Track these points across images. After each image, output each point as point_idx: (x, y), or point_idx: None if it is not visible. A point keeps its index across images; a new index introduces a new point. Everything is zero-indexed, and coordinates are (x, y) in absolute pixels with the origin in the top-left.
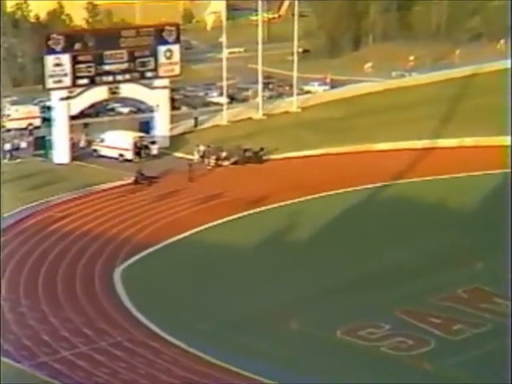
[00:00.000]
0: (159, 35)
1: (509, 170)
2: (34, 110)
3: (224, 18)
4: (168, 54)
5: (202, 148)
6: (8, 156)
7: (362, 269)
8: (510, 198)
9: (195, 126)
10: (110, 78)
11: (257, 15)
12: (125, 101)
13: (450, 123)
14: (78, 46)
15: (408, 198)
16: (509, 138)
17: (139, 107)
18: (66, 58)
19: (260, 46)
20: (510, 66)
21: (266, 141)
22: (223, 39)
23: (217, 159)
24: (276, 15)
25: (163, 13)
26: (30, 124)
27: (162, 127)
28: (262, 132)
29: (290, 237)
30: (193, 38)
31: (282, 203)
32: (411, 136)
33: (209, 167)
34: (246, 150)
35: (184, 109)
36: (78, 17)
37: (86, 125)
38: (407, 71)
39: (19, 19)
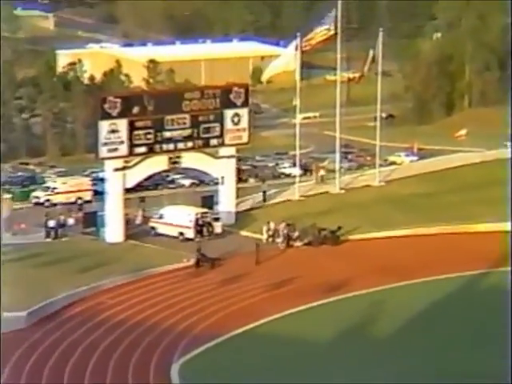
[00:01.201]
0: (226, 97)
1: None
2: (85, 182)
3: (298, 77)
4: (235, 118)
5: (271, 226)
6: (53, 234)
7: (451, 370)
8: None
9: (264, 200)
10: (171, 146)
11: (335, 74)
12: (186, 172)
13: None
14: (136, 109)
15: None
16: None
17: (202, 179)
18: (122, 124)
19: (338, 110)
20: None
21: (344, 219)
22: (297, 102)
23: (288, 239)
24: (357, 74)
25: (231, 72)
26: (80, 198)
27: (227, 202)
28: (340, 208)
29: (371, 330)
30: (263, 101)
31: (362, 291)
32: None
33: (279, 248)
34: (321, 230)
35: (252, 181)
36: (138, 77)
37: (142, 199)
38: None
39: (71, 81)
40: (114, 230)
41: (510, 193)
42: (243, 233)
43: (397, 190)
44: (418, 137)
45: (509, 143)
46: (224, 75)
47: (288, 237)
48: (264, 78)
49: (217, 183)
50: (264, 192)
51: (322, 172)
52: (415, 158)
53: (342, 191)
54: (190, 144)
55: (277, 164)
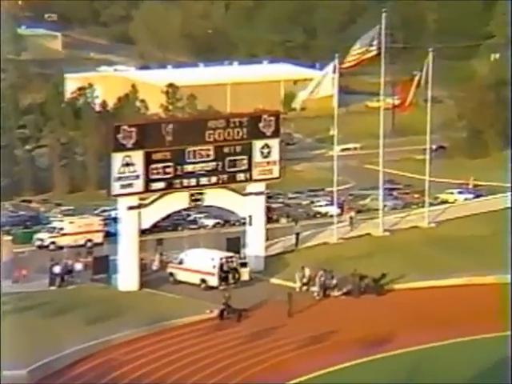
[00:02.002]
0: (254, 126)
1: None
2: (95, 221)
3: (336, 103)
4: (265, 150)
5: (305, 273)
6: (58, 281)
7: None
8: None
9: (297, 243)
10: (193, 182)
11: (377, 100)
12: (210, 210)
13: None
14: (153, 140)
15: None
16: None
17: (227, 219)
18: (138, 156)
19: (381, 141)
20: None
21: (388, 265)
22: (334, 132)
23: (325, 288)
24: (404, 100)
25: (260, 97)
26: (89, 240)
27: (255, 245)
28: (384, 253)
29: None
30: (296, 130)
31: (408, 348)
32: None
33: (314, 298)
34: (362, 277)
35: (283, 221)
36: (155, 103)
37: (160, 241)
38: None
39: (82, 107)
40: (127, 277)
41: None
42: (274, 280)
43: (449, 232)
44: (473, 171)
45: None
46: (252, 101)
47: (325, 285)
48: (297, 104)
49: (244, 223)
50: (297, 234)
51: (351, 213)
52: (470, 195)
53: (386, 233)
54: (213, 179)
55: (311, 202)
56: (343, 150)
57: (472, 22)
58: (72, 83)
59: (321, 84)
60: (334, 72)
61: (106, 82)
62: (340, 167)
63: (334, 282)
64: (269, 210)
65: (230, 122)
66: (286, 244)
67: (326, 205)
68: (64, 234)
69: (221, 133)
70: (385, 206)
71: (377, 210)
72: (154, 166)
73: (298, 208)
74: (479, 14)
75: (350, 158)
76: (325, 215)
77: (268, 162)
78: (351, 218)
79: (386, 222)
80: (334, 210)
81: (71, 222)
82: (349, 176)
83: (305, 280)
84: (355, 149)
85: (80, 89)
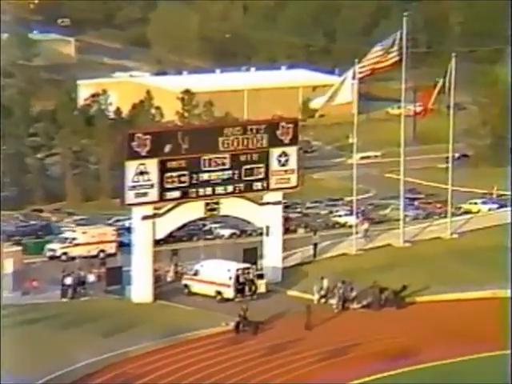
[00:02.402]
0: (272, 134)
1: None
2: (109, 231)
3: (355, 110)
4: (283, 158)
5: (324, 285)
6: (70, 293)
7: None
8: None
9: (315, 255)
10: (208, 191)
11: (399, 107)
12: (226, 220)
13: None
14: (168, 148)
15: None
16: None
17: (244, 229)
18: (152, 164)
19: (403, 149)
20: None
21: (409, 277)
22: (354, 139)
23: (344, 300)
24: (425, 107)
25: (278, 104)
26: (102, 251)
27: (272, 256)
28: (405, 265)
29: None
30: (315, 138)
31: (430, 363)
32: None
33: (333, 311)
34: (382, 289)
35: (301, 232)
36: (171, 110)
37: (175, 252)
38: None
39: (95, 114)
40: (141, 288)
41: None
42: (291, 292)
43: (472, 243)
44: (497, 180)
45: None
46: (270, 108)
47: (344, 297)
48: (317, 105)
49: (261, 234)
50: (315, 244)
51: (365, 225)
52: (494, 205)
53: (408, 244)
54: (229, 188)
55: (330, 212)
56: (363, 158)
57: (497, 24)
58: (85, 90)
59: (339, 90)
60: (354, 78)
61: (120, 89)
62: (360, 176)
63: (354, 294)
64: (286, 220)
65: (246, 129)
66: (303, 255)
67: (346, 215)
68: (76, 245)
69: (237, 140)
70: (406, 216)
71: (397, 220)
72: (168, 174)
73: (316, 218)
74: (504, 16)
75: (370, 166)
76: (344, 225)
77: (286, 171)
78: (366, 230)
79: (407, 232)
80: (353, 219)
81: (84, 232)
82: (369, 185)
83: (323, 292)
84: (375, 157)
85: (93, 95)
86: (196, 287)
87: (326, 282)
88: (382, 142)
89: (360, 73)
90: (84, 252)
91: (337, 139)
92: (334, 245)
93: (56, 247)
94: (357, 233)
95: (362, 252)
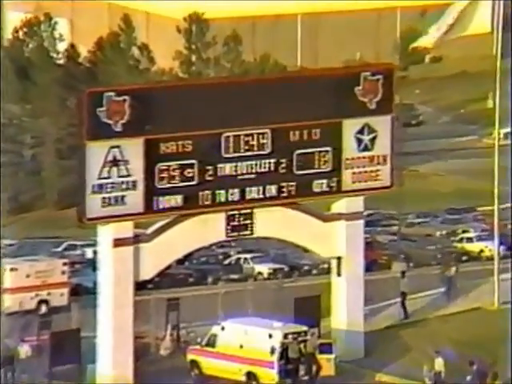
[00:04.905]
0: (346, 93)
1: None
2: (56, 267)
3: (498, 52)
4: (366, 137)
5: (438, 365)
6: None
7: None
8: None
9: (405, 313)
10: (234, 194)
11: None
12: (265, 247)
13: None
14: (161, 119)
15: None
16: None
17: (296, 263)
18: (134, 147)
19: None
20: None
21: None
22: (495, 102)
23: None
24: None
25: (356, 38)
26: (45, 301)
27: (347, 311)
28: None
29: None
30: (422, 101)
31: None
32: None
33: None
34: None
35: (399, 266)
36: (166, 51)
37: (173, 303)
38: None
39: (32, 59)
40: (113, 368)
41: None
42: (382, 376)
43: None
44: None
45: None
46: (341, 47)
47: None
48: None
49: (327, 272)
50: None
51: (452, 270)
52: None
53: None
54: (271, 189)
55: (452, 232)
56: (506, 135)
57: None
58: (15, 15)
59: (468, 14)
60: None
61: (76, 12)
62: (503, 168)
63: (489, 380)
64: (372, 246)
65: (300, 86)
66: (403, 309)
67: (480, 238)
68: (1, 291)
69: (284, 105)
70: None
71: None
72: (162, 164)
73: (425, 243)
74: None
75: None
76: (478, 257)
77: (371, 159)
78: (450, 277)
79: None
80: (493, 246)
81: (12, 270)
82: None
83: (438, 377)
84: None
85: (29, 24)
86: (212, 366)
87: (441, 361)
88: None
89: None
90: (12, 305)
91: (462, 103)
92: (461, 292)
93: None
94: (501, 269)
95: (508, 306)
